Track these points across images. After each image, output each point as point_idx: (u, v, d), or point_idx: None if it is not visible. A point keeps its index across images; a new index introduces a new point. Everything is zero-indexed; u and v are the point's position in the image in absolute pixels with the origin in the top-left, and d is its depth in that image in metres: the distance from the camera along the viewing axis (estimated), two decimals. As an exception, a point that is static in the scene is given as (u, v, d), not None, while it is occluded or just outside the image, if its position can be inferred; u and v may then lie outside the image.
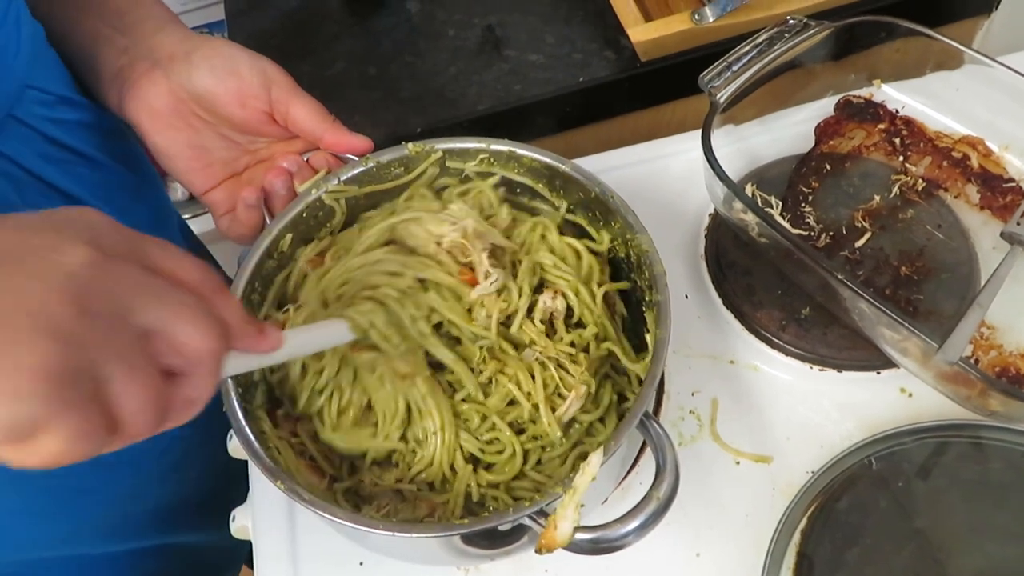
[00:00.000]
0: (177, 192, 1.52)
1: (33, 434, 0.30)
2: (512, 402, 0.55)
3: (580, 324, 0.58)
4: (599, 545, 0.46)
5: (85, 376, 0.31)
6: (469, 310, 0.56)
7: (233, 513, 0.63)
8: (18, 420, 0.30)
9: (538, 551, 0.46)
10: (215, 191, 0.60)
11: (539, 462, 0.55)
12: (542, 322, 0.57)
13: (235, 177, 0.61)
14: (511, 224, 0.60)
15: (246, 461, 0.64)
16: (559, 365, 0.55)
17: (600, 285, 0.58)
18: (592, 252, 0.59)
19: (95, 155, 0.59)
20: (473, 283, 0.56)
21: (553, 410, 0.54)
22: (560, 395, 0.55)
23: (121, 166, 0.62)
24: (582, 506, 0.46)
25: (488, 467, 0.54)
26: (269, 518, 0.61)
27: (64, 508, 0.62)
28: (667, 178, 0.75)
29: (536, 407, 0.54)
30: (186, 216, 1.44)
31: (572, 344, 0.56)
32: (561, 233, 0.60)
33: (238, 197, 0.59)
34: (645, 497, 0.46)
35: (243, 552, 0.64)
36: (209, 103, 0.57)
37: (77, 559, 0.66)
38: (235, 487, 0.64)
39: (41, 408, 0.30)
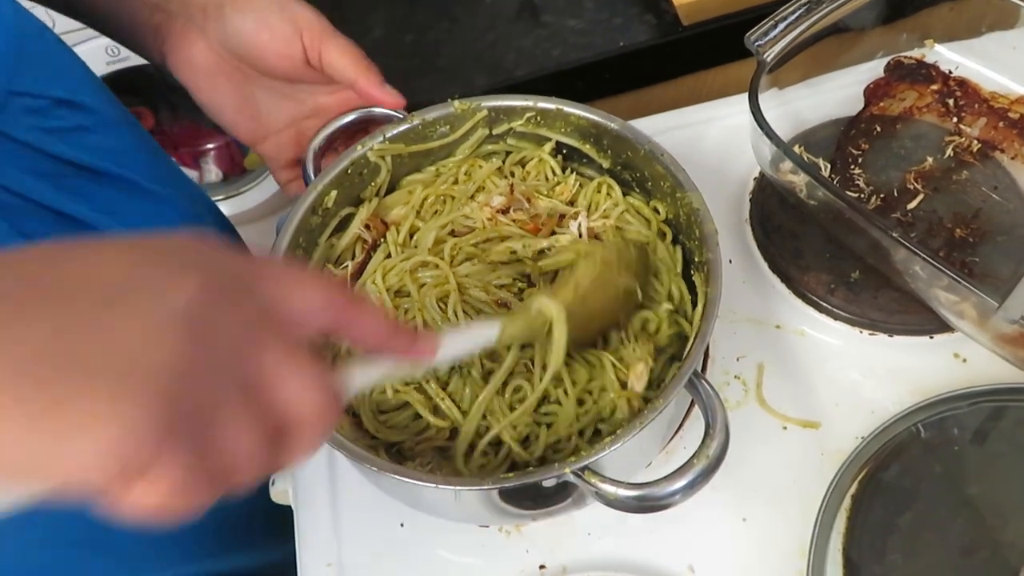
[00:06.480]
0: (211, 174, 1.53)
1: (141, 474, 0.27)
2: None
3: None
4: (645, 503, 0.45)
5: (196, 418, 0.29)
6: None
7: (272, 477, 0.63)
8: (128, 456, 0.27)
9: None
10: (266, 144, 0.60)
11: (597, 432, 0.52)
12: None
13: (285, 129, 0.60)
14: (577, 190, 0.60)
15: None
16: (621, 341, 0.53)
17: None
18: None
19: (95, 163, 0.53)
20: (536, 231, 0.55)
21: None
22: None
23: (127, 170, 0.56)
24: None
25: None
26: (310, 480, 0.61)
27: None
28: (709, 143, 0.73)
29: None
30: (216, 199, 1.46)
31: (644, 322, 0.54)
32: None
33: (288, 148, 0.59)
34: (694, 455, 0.45)
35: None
36: (246, 58, 0.57)
37: None
38: None
39: (152, 444, 0.27)
